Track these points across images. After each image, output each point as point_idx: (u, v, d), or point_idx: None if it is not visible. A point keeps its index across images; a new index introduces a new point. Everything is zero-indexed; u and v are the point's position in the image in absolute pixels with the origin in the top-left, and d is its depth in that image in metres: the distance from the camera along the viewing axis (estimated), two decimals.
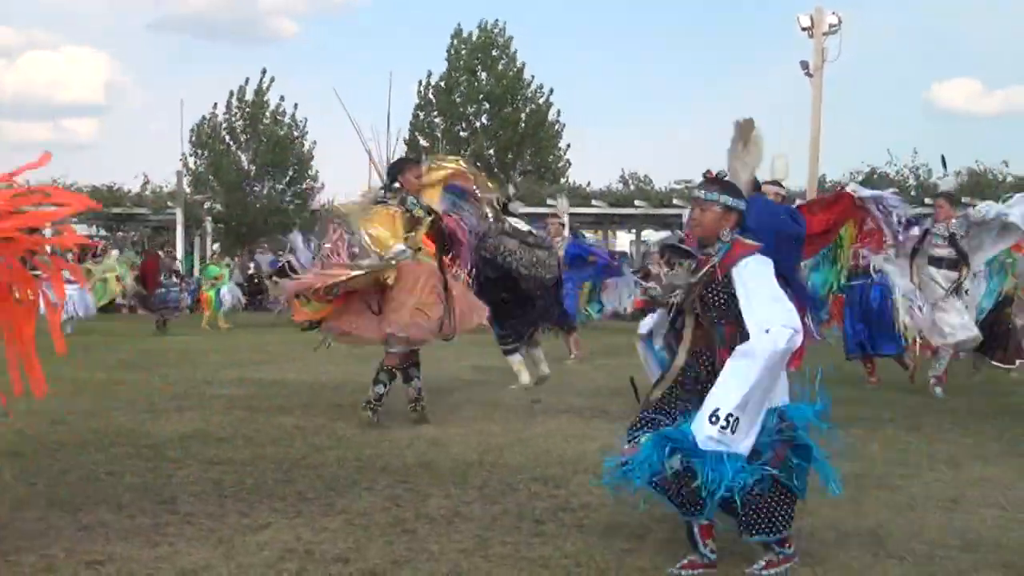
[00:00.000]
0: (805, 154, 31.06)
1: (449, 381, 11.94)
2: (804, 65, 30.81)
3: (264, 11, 71.58)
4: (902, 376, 12.89)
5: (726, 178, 5.11)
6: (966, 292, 11.00)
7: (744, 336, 4.69)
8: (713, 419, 4.58)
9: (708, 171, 5.08)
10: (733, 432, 4.57)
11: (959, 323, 10.98)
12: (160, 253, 25.39)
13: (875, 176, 31.76)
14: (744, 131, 5.12)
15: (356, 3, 71.47)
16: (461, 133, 40.06)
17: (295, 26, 71.79)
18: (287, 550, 5.20)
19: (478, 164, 39.59)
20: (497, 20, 40.65)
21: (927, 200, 27.18)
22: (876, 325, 12.73)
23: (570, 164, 42.10)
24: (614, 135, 65.86)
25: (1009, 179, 30.04)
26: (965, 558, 5.22)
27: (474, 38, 40.57)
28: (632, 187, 40.97)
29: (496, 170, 39.48)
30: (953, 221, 11.14)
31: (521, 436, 8.32)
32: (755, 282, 4.77)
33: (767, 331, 4.57)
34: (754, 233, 6.55)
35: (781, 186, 9.38)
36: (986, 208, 11.03)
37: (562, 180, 39.62)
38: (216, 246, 26.45)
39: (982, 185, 29.82)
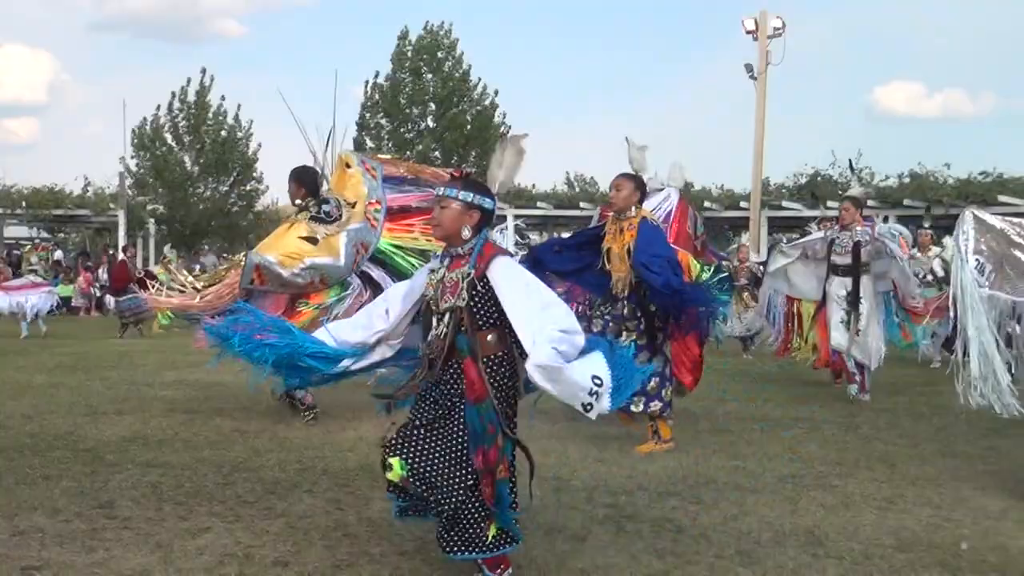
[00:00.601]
0: (749, 157, 31.34)
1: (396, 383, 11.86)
2: (748, 68, 31.03)
3: (208, 11, 71.17)
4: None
5: (476, 176, 4.93)
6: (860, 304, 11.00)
7: (501, 340, 4.62)
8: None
9: (455, 170, 4.99)
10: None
11: (875, 348, 11.11)
12: (125, 258, 25.17)
13: (819, 178, 32.00)
14: (513, 140, 5.05)
15: (301, 4, 71.13)
16: (407, 134, 39.96)
17: (239, 27, 71.35)
18: (226, 554, 5.18)
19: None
20: (443, 22, 40.64)
21: (870, 201, 27.48)
22: None
23: None
24: (560, 137, 66.04)
25: (950, 181, 30.34)
26: (900, 557, 5.29)
27: (420, 39, 40.51)
28: (577, 189, 41.05)
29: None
30: (858, 228, 11.16)
31: None
32: (517, 286, 4.58)
33: (549, 343, 4.32)
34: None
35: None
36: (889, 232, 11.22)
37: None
38: (168, 247, 26.15)
39: (924, 188, 30.11)
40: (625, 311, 7.96)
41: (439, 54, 40.34)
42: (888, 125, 67.38)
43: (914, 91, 70.63)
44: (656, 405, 7.94)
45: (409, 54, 40.19)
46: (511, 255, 4.79)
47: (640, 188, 8.16)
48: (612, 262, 7.98)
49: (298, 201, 9.26)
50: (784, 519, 5.98)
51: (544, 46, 70.22)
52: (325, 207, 9.15)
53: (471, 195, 4.70)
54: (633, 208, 8.00)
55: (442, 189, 4.75)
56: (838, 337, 11.11)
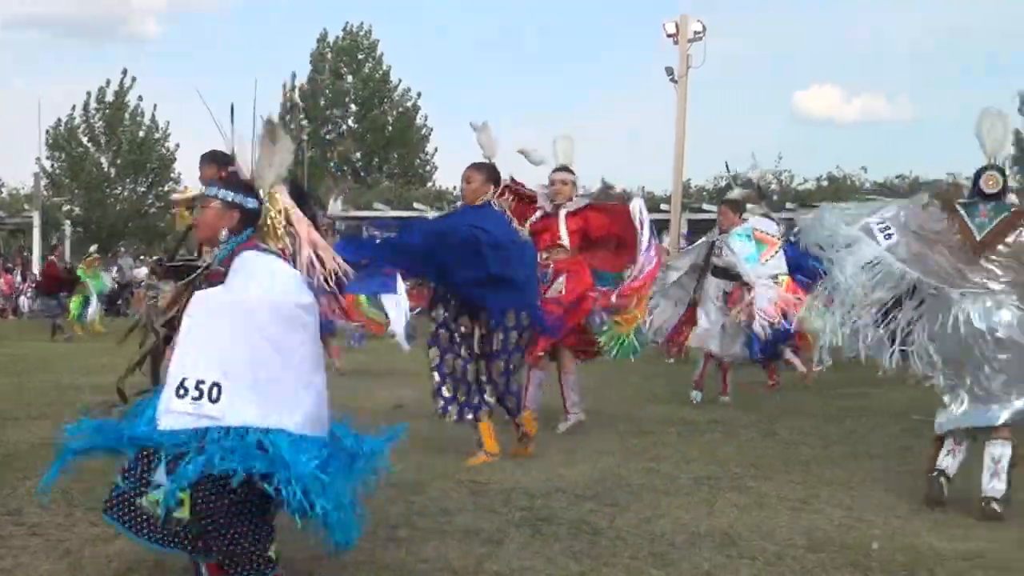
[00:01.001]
0: (670, 159, 31.54)
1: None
2: (669, 71, 31.23)
3: (127, 11, 70.23)
4: (762, 378, 13.17)
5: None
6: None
7: None
8: (180, 392, 4.10)
9: (223, 168, 4.88)
10: (215, 401, 4.07)
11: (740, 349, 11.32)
12: (53, 258, 24.81)
13: (738, 181, 32.33)
14: (270, 132, 4.91)
15: (221, 4, 70.44)
16: (327, 136, 39.83)
17: (159, 27, 70.46)
18: (137, 561, 5.10)
19: (344, 168, 39.58)
20: (362, 23, 40.55)
21: (788, 204, 27.77)
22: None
23: (436, 168, 42.16)
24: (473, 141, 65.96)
25: (867, 185, 30.75)
26: (811, 558, 5.34)
27: (339, 41, 40.38)
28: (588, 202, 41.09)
29: (363, 174, 39.36)
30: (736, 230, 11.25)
31: None
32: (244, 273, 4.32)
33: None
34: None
35: (570, 171, 9.35)
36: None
37: (428, 184, 39.58)
38: (94, 248, 25.83)
39: (842, 191, 30.48)
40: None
41: (359, 56, 40.26)
42: (808, 128, 68.11)
43: (833, 95, 71.45)
44: (470, 413, 7.74)
45: (329, 55, 40.06)
46: (265, 253, 4.44)
47: (492, 177, 7.95)
48: None
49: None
50: (700, 521, 6.01)
51: (464, 48, 70.10)
52: None
53: (231, 194, 4.50)
54: (488, 195, 7.83)
55: (204, 189, 4.59)
56: (702, 335, 11.26)
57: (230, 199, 4.48)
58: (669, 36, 31.28)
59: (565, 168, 9.33)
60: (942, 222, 6.51)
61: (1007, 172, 6.72)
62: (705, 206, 33.23)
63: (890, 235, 6.40)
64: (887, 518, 6.18)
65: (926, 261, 6.41)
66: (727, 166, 11.91)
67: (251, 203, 4.51)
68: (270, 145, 4.62)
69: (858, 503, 6.53)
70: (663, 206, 32.98)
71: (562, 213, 9.16)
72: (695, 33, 30.87)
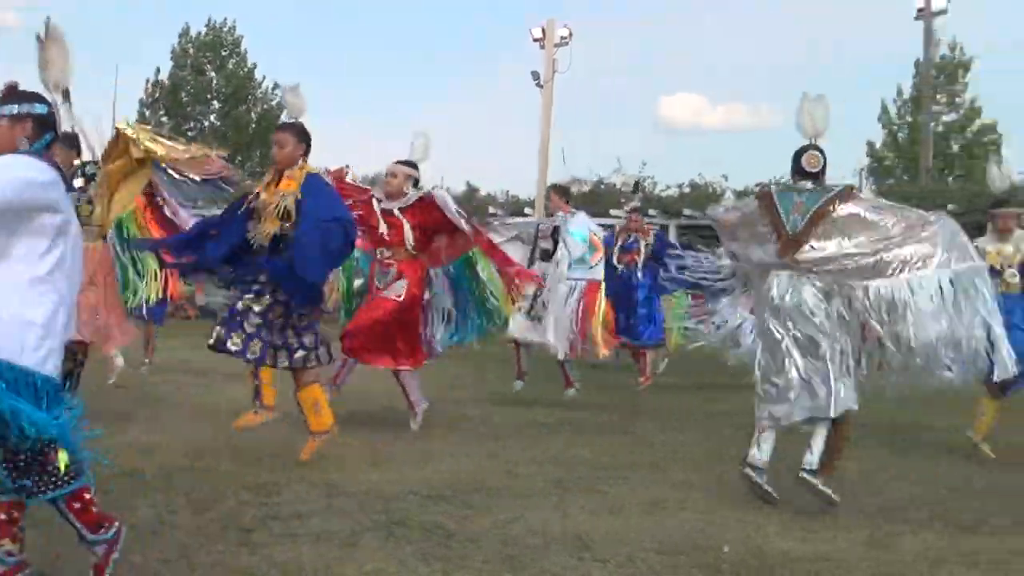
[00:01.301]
0: (535, 163, 31.68)
1: (161, 383, 11.63)
2: (535, 75, 31.36)
3: None
4: (615, 379, 13.32)
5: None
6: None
7: None
8: None
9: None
10: None
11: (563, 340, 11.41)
12: None
13: (602, 186, 32.53)
14: (46, 33, 4.73)
15: None
16: (189, 132, 39.20)
17: (17, 17, 68.61)
18: None
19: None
20: (226, 19, 40.01)
21: (651, 211, 28.05)
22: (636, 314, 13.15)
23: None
24: (350, 137, 65.49)
25: (728, 192, 31.18)
26: (662, 560, 5.40)
27: (202, 36, 39.79)
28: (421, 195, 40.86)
29: None
30: (560, 214, 11.66)
31: (233, 443, 8.15)
32: None
33: None
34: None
35: (415, 167, 9.21)
36: None
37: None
38: None
39: (703, 198, 30.86)
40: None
41: (222, 51, 39.72)
42: (672, 136, 69.03)
43: (698, 103, 72.49)
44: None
45: (191, 51, 39.47)
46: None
47: (304, 138, 7.51)
48: (260, 215, 7.38)
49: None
50: (552, 524, 6.04)
51: (330, 46, 69.53)
52: None
53: (15, 107, 4.42)
54: (300, 162, 7.42)
55: None
56: (516, 326, 11.37)
57: (16, 111, 4.41)
58: (535, 41, 31.44)
59: (404, 162, 9.19)
60: (761, 213, 6.83)
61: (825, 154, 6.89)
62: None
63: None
64: (739, 520, 6.27)
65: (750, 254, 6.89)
66: (563, 154, 12.02)
67: (39, 108, 4.48)
68: (47, 47, 4.57)
69: (711, 506, 6.62)
70: (527, 210, 33.08)
71: (394, 207, 9.07)
72: (561, 38, 31.05)
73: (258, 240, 7.33)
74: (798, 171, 6.84)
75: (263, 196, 7.37)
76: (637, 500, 6.76)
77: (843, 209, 6.55)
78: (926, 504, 6.94)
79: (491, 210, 33.56)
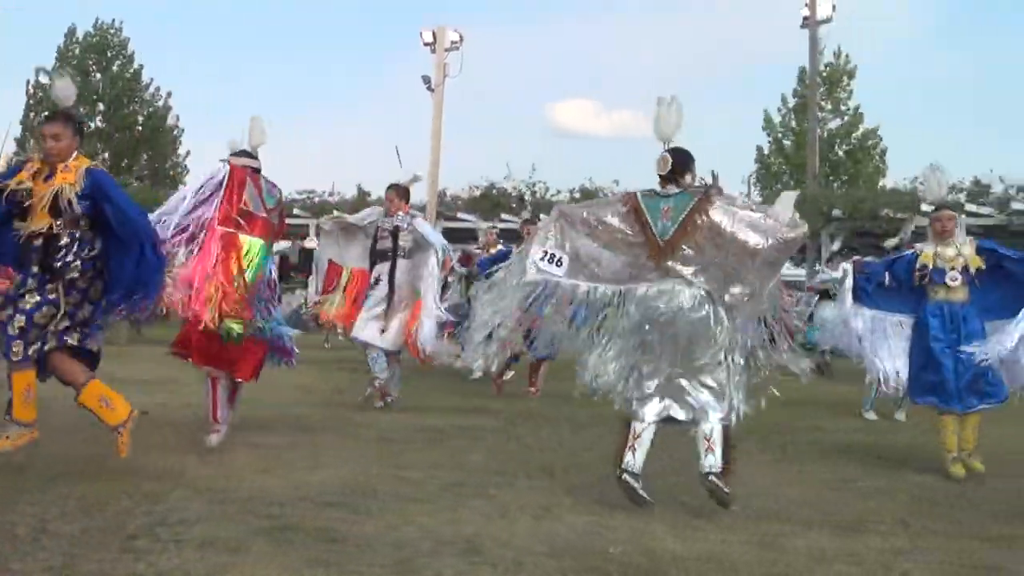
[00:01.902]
0: (426, 167, 31.65)
1: (41, 388, 11.34)
2: (426, 80, 31.36)
3: None
4: (509, 386, 13.35)
5: None
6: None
7: None
8: None
9: None
10: None
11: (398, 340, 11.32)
12: None
13: (494, 191, 32.55)
14: None
15: None
16: None
17: None
18: None
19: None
20: (113, 20, 39.39)
21: (541, 215, 28.13)
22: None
23: (188, 170, 41.32)
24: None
25: None
26: (552, 563, 5.39)
27: (89, 37, 39.13)
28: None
29: (111, 174, 38.14)
30: (400, 214, 11.52)
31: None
32: None
33: None
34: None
35: (254, 157, 8.58)
36: None
37: (180, 187, 38.58)
38: None
39: None
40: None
41: (108, 53, 39.11)
42: (563, 141, 69.54)
43: (589, 109, 73.08)
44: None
45: (77, 52, 38.78)
46: None
47: (79, 131, 7.18)
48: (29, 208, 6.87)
49: None
50: (444, 528, 6.02)
51: (219, 50, 68.89)
52: None
53: None
54: (75, 154, 7.04)
55: None
56: (361, 328, 11.35)
57: None
58: (426, 45, 31.47)
59: (249, 153, 8.60)
60: (628, 220, 6.78)
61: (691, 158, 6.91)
62: (460, 215, 33.43)
63: (560, 262, 6.80)
64: (628, 522, 6.30)
65: (603, 266, 6.79)
66: (397, 151, 11.72)
67: None
68: None
69: (601, 509, 6.63)
70: (419, 213, 33.04)
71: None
72: (452, 43, 31.14)
73: (27, 233, 6.87)
74: (658, 176, 6.87)
75: (34, 189, 6.88)
76: (527, 504, 6.76)
77: (710, 213, 6.56)
78: (813, 504, 7.05)
79: None
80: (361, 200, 34.32)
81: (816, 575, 5.40)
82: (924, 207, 10.44)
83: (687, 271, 6.57)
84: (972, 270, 8.48)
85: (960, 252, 8.56)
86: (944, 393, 8.40)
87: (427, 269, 11.28)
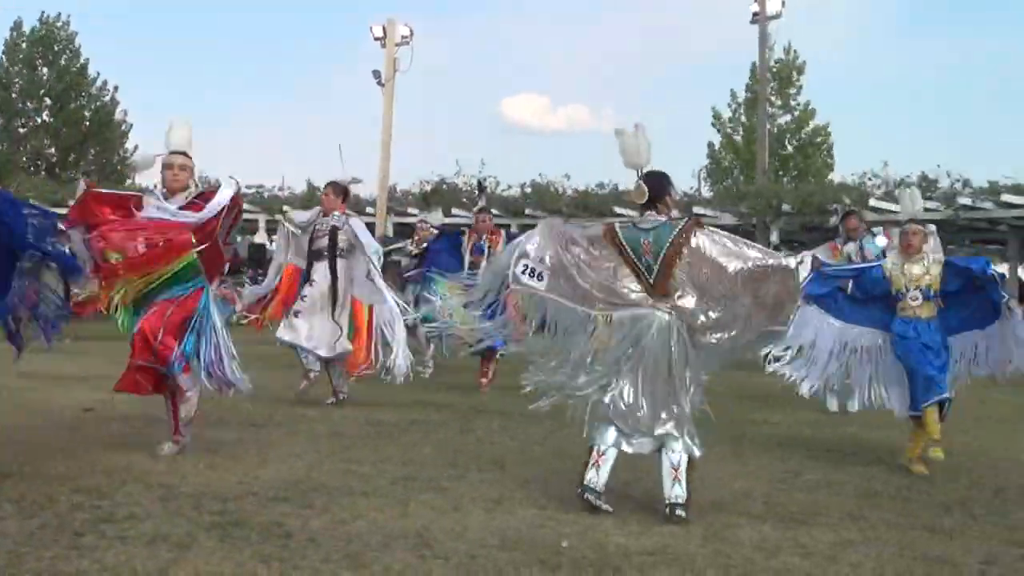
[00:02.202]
0: (376, 162, 31.58)
1: None
2: (376, 74, 31.27)
3: None
4: (460, 380, 13.34)
5: None
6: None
7: None
8: None
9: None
10: None
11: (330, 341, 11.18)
12: None
13: (444, 186, 32.51)
14: None
15: None
16: (20, 129, 38.10)
17: None
18: None
19: (39, 162, 37.98)
20: (60, 13, 38.98)
21: (494, 210, 28.13)
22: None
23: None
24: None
25: (569, 192, 31.44)
26: (503, 556, 5.40)
27: (35, 31, 38.71)
28: (203, 189, 40.18)
29: (58, 169, 37.80)
30: (336, 213, 11.36)
31: (64, 445, 7.95)
32: None
33: None
34: None
35: (187, 155, 8.25)
36: None
37: (128, 182, 38.27)
38: None
39: (544, 198, 31.07)
40: None
41: (55, 47, 38.71)
42: (514, 136, 69.61)
43: (540, 104, 73.21)
44: None
45: (24, 46, 38.37)
46: None
47: None
48: None
49: None
50: (394, 522, 6.02)
51: (165, 45, 68.40)
52: None
53: None
54: None
55: None
56: (286, 329, 11.22)
57: None
58: (377, 39, 31.38)
59: (182, 152, 8.23)
60: (607, 257, 6.72)
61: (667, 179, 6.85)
62: (411, 210, 33.37)
63: (541, 276, 6.65)
64: (578, 517, 6.31)
65: (581, 285, 6.66)
66: (340, 151, 11.57)
67: None
68: None
69: (552, 502, 6.64)
70: (369, 209, 32.96)
71: (173, 206, 8.05)
72: (403, 37, 31.06)
73: None
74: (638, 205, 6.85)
75: None
76: (479, 497, 6.76)
77: (694, 243, 6.51)
78: (761, 498, 7.09)
79: None
80: (311, 195, 34.15)
81: (764, 567, 5.42)
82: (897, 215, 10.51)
83: (670, 302, 6.54)
84: (932, 292, 8.53)
85: (928, 271, 8.58)
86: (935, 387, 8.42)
87: (361, 271, 11.11)
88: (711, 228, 6.69)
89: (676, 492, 6.45)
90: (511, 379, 12.83)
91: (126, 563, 5.05)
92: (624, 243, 6.62)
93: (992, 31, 65.82)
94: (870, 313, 8.87)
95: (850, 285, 8.98)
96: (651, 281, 6.53)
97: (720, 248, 6.52)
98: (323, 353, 11.17)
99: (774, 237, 18.24)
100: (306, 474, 7.28)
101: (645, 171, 6.83)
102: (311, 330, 11.14)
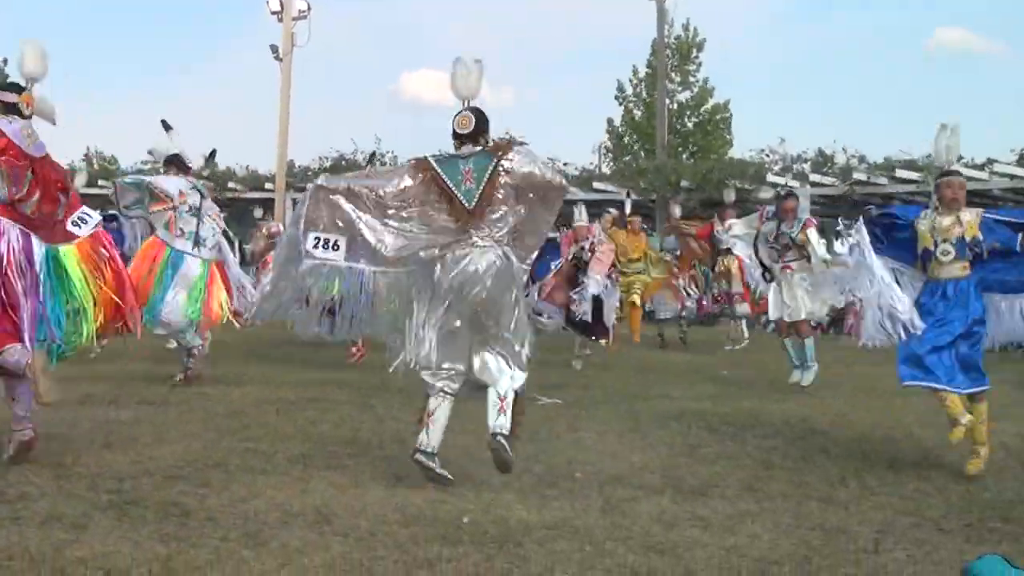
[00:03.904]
0: (274, 137, 31.30)
1: None
2: (274, 49, 31.00)
3: None
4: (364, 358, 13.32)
5: None
6: None
7: None
8: None
9: None
10: None
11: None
12: None
13: (343, 162, 32.28)
14: None
15: None
16: None
17: None
18: None
19: None
20: None
21: None
22: None
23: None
24: (81, 113, 63.04)
25: None
26: (404, 532, 5.40)
27: None
28: (96, 167, 39.54)
29: None
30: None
31: None
32: None
33: None
34: None
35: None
36: None
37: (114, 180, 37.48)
38: None
39: None
40: None
41: None
42: (415, 112, 69.28)
43: (439, 80, 72.94)
44: None
45: None
46: None
47: None
48: None
49: None
50: (293, 499, 5.97)
51: (62, 20, 66.91)
52: None
53: None
54: None
55: None
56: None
57: None
58: (273, 13, 31.09)
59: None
60: (423, 189, 6.52)
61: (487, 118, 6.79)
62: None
63: (336, 245, 6.41)
64: (479, 492, 6.33)
65: (391, 241, 6.43)
66: (164, 124, 11.32)
67: None
68: None
69: (456, 478, 6.59)
70: (268, 185, 32.69)
71: None
72: (300, 11, 30.82)
73: None
74: (454, 135, 6.74)
75: None
76: (379, 474, 6.75)
77: (509, 164, 6.52)
78: (660, 471, 7.14)
79: (230, 185, 33.08)
80: (209, 171, 33.74)
81: (663, 539, 5.46)
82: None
83: (494, 233, 6.49)
84: (968, 239, 7.41)
85: (959, 221, 7.48)
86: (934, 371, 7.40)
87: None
88: (517, 147, 6.66)
89: (500, 422, 6.45)
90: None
91: (19, 544, 4.96)
92: (440, 172, 6.49)
93: (885, 4, 66.67)
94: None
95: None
96: (470, 207, 6.44)
97: (527, 159, 6.60)
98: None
99: (677, 212, 18.42)
100: (203, 453, 7.20)
101: (471, 104, 6.81)
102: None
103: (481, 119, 6.71)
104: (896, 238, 7.81)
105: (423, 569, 4.83)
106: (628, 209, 19.00)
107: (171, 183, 11.01)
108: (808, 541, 5.50)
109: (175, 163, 11.44)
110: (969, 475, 7.09)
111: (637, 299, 16.30)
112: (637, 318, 16.82)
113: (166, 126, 11.67)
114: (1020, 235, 7.39)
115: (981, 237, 7.40)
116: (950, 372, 7.32)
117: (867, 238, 7.63)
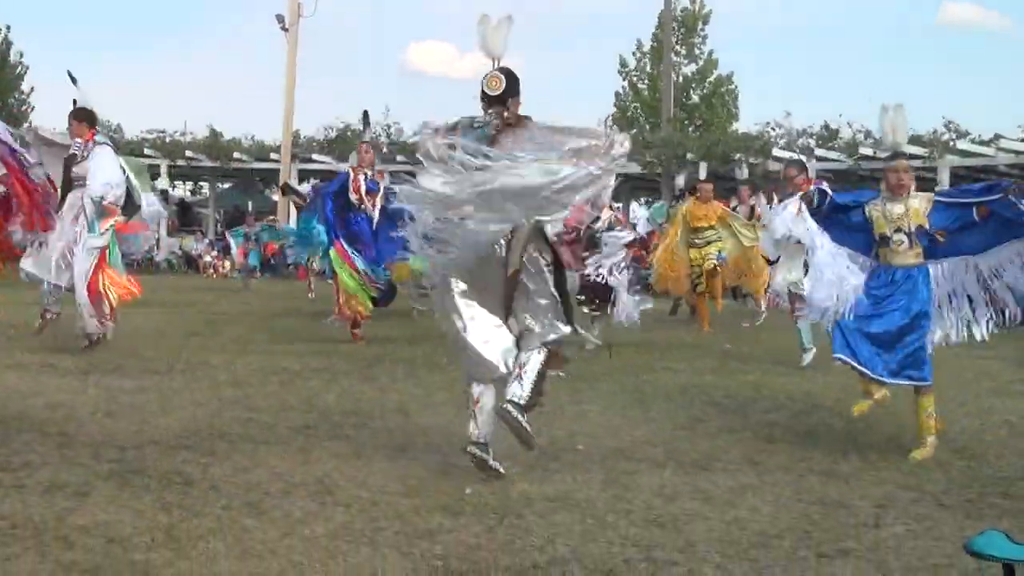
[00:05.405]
0: (280, 108, 31.25)
1: None
2: (280, 19, 30.92)
3: None
4: (365, 329, 13.30)
5: None
6: None
7: None
8: None
9: None
10: None
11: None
12: None
13: (349, 133, 32.21)
14: None
15: None
16: None
17: None
18: None
19: None
20: None
21: (399, 157, 28.03)
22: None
23: (33, 108, 40.28)
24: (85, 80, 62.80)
25: None
26: (406, 502, 5.41)
27: None
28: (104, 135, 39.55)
29: None
30: (78, 141, 10.65)
31: None
32: None
33: None
34: None
35: None
36: None
37: (24, 124, 37.55)
38: None
39: None
40: None
41: None
42: (420, 82, 69.16)
43: (447, 51, 72.74)
44: None
45: None
46: None
47: None
48: None
49: None
50: (295, 469, 5.99)
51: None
52: None
53: None
54: None
55: None
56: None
57: None
58: None
59: None
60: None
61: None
62: (315, 156, 33.12)
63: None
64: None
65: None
66: (70, 76, 10.85)
67: None
68: None
69: (455, 449, 6.55)
70: (273, 155, 32.68)
71: None
72: None
73: None
74: (483, 96, 6.37)
75: None
76: (382, 445, 6.76)
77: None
78: (662, 444, 7.14)
79: (236, 155, 33.07)
80: (213, 139, 33.79)
81: (664, 512, 5.47)
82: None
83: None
84: (914, 227, 7.22)
85: (907, 208, 7.26)
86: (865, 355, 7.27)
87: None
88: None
89: (514, 390, 6.02)
90: (412, 329, 12.88)
91: (22, 511, 4.98)
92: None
93: None
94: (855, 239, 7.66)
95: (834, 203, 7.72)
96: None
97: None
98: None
99: (680, 181, 18.42)
100: (207, 422, 7.22)
101: (500, 64, 6.51)
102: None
103: (512, 80, 6.37)
104: (850, 222, 7.59)
105: (424, 539, 4.83)
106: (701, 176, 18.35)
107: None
108: (809, 515, 5.50)
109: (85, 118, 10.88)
110: (913, 460, 6.87)
111: (713, 264, 15.07)
112: (716, 285, 15.52)
113: (72, 79, 11.23)
114: (974, 208, 7.19)
115: (928, 225, 7.23)
116: (872, 359, 7.19)
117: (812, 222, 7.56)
